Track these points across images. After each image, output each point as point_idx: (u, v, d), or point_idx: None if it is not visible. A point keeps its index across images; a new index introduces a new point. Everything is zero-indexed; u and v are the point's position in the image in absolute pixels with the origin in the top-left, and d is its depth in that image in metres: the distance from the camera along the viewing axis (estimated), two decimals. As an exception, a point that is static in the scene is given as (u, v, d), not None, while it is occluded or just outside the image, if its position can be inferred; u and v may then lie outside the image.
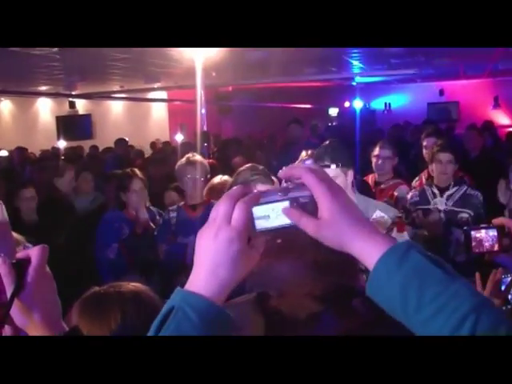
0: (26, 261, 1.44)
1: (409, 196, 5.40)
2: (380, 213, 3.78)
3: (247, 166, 4.08)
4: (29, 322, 1.42)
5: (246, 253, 1.21)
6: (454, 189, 5.13)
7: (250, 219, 1.21)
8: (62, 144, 14.99)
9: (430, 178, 5.52)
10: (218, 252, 1.19)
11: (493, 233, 1.84)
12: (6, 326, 1.44)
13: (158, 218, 5.48)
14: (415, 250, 1.08)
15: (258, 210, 1.24)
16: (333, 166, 3.79)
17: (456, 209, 5.05)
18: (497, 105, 18.78)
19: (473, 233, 1.85)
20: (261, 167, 4.07)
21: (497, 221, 1.87)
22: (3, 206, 1.75)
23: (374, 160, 5.97)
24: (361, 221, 1.15)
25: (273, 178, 4.44)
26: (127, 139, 12.93)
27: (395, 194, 5.63)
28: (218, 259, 1.19)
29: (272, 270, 1.51)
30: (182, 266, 4.64)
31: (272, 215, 1.24)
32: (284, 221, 1.23)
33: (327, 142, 4.07)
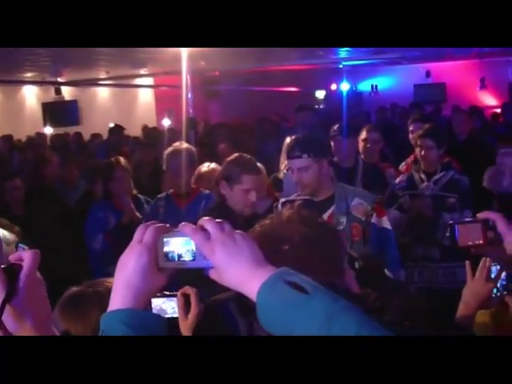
0: (18, 266, 1.44)
1: (397, 181, 5.41)
2: (358, 200, 3.78)
3: (234, 156, 4.06)
4: (20, 328, 1.42)
5: (155, 266, 1.40)
6: (441, 174, 5.16)
7: (157, 238, 1.40)
8: (48, 130, 14.90)
9: (417, 162, 5.53)
10: (130, 265, 1.39)
11: (478, 226, 1.85)
12: None
13: (145, 206, 5.46)
14: (280, 282, 1.28)
15: (168, 243, 1.40)
16: (304, 156, 3.78)
17: (443, 193, 5.06)
18: (483, 86, 18.85)
19: (457, 226, 1.86)
20: (248, 157, 4.06)
21: (481, 214, 1.87)
22: None
23: (361, 144, 5.97)
24: (245, 262, 1.33)
25: (259, 165, 4.46)
26: (119, 125, 12.86)
27: None
28: (130, 271, 1.38)
29: None
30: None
31: (181, 250, 1.40)
32: (189, 258, 1.40)
33: (298, 135, 4.09)
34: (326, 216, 3.66)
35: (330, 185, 3.88)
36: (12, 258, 1.46)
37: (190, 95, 8.07)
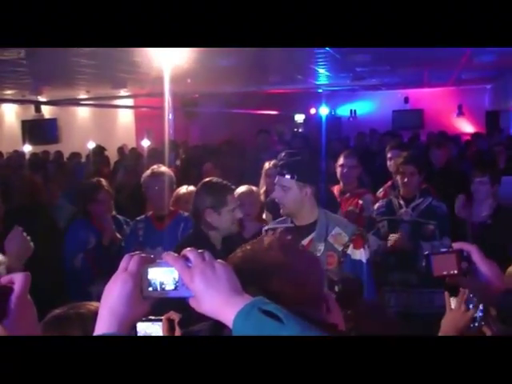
0: (9, 288, 1.45)
1: (375, 206, 5.44)
2: (338, 229, 3.78)
3: (206, 184, 4.06)
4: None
5: (139, 292, 1.45)
6: (420, 200, 5.18)
7: (141, 267, 1.46)
8: (27, 148, 14.84)
9: (395, 188, 5.56)
10: (115, 292, 1.44)
11: (452, 257, 1.90)
12: None
13: (125, 227, 5.45)
14: (255, 310, 1.32)
15: (151, 272, 1.46)
16: (287, 176, 3.78)
17: (421, 220, 5.09)
18: (460, 113, 19.09)
19: (432, 257, 1.92)
20: (218, 179, 4.09)
21: (456, 245, 1.91)
22: None
23: (338, 169, 5.99)
24: (222, 291, 1.39)
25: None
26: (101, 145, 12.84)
27: (360, 202, 5.67)
28: (115, 298, 1.43)
29: None
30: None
31: (164, 280, 1.46)
32: (172, 287, 1.46)
33: (290, 153, 4.10)
34: (306, 241, 3.67)
35: (313, 210, 3.88)
36: (3, 280, 1.47)
37: (170, 116, 8.10)
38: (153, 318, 2.47)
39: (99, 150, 12.12)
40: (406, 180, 5.21)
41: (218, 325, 1.45)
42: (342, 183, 5.97)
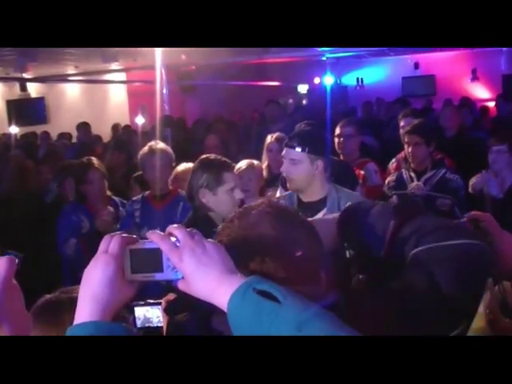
0: None
1: (386, 180, 5.43)
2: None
3: (201, 161, 4.00)
4: None
5: (122, 275, 1.43)
6: (432, 172, 5.14)
7: (123, 248, 1.43)
8: (13, 130, 14.80)
9: (407, 160, 5.53)
10: (96, 276, 1.41)
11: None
12: None
13: (121, 209, 5.47)
14: (250, 291, 1.31)
15: (134, 253, 1.43)
16: (298, 149, 3.78)
17: (433, 194, 5.05)
18: (475, 77, 18.90)
19: None
20: (215, 156, 4.03)
21: (470, 215, 1.93)
22: None
23: (335, 140, 5.96)
24: (214, 271, 1.37)
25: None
26: (84, 122, 12.82)
27: (361, 172, 5.64)
28: (97, 283, 1.40)
29: None
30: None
31: (148, 262, 1.42)
32: (157, 270, 1.43)
33: (304, 124, 4.06)
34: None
35: (323, 186, 3.86)
36: None
37: (165, 91, 8.07)
38: (151, 301, 2.49)
39: (83, 126, 12.11)
40: (410, 150, 5.18)
41: (206, 312, 1.46)
42: (341, 155, 5.95)
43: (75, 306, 1.99)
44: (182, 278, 1.40)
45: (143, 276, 1.43)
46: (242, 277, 1.35)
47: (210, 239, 1.43)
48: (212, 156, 4.01)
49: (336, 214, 1.86)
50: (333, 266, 1.67)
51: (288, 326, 1.25)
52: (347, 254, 1.82)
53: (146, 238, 1.44)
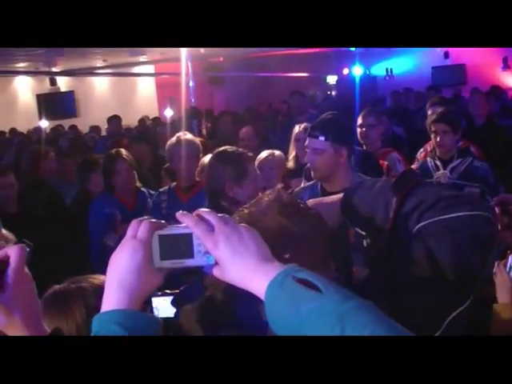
0: (4, 262, 1.47)
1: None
2: None
3: (222, 155, 3.92)
4: (9, 323, 1.46)
5: (150, 262, 1.38)
6: (458, 161, 5.07)
7: (152, 233, 1.38)
8: (43, 124, 14.95)
9: (433, 149, 5.48)
10: (124, 263, 1.37)
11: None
12: None
13: (149, 200, 5.49)
14: (289, 279, 1.28)
15: (163, 239, 1.38)
16: (321, 138, 3.74)
17: (461, 182, 4.96)
18: (506, 66, 18.73)
19: None
20: (234, 148, 3.98)
21: (497, 199, 1.92)
22: None
23: (358, 131, 5.90)
24: (250, 258, 1.33)
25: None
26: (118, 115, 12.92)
27: (385, 163, 5.60)
28: (125, 269, 1.36)
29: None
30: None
31: (178, 248, 1.38)
32: (187, 256, 1.38)
33: (326, 114, 4.04)
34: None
35: (348, 175, 3.83)
36: None
37: (191, 83, 8.09)
38: (168, 291, 2.47)
39: (114, 120, 12.18)
40: (438, 139, 5.13)
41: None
42: (364, 145, 5.90)
43: (83, 296, 2.02)
44: (215, 263, 1.36)
45: (173, 262, 1.38)
46: (280, 265, 1.32)
47: (243, 224, 1.39)
48: (229, 148, 3.94)
49: (340, 195, 1.86)
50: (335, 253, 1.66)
51: (329, 316, 1.22)
52: (364, 244, 1.80)
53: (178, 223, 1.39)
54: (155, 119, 14.49)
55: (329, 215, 1.67)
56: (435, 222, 1.56)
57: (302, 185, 4.56)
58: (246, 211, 1.63)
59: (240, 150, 3.93)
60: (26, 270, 1.50)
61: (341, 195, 1.85)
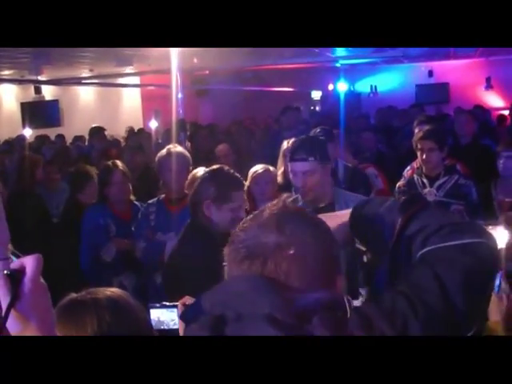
0: (21, 271, 1.49)
1: (397, 185, 5.46)
2: None
3: (215, 172, 3.86)
4: (24, 330, 1.48)
5: None
6: (445, 178, 5.15)
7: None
8: (27, 132, 14.91)
9: (419, 167, 5.52)
10: None
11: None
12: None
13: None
14: None
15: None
16: (311, 159, 3.78)
17: (447, 200, 5.04)
18: (489, 86, 18.84)
19: None
20: (231, 171, 3.87)
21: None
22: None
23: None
24: None
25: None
26: (99, 126, 12.91)
27: None
28: None
29: (231, 287, 1.48)
30: (159, 264, 4.61)
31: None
32: None
33: (302, 136, 4.07)
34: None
35: (330, 191, 3.90)
36: (14, 264, 1.50)
37: (180, 95, 8.12)
38: (167, 303, 2.48)
39: (96, 131, 12.17)
40: (424, 156, 5.19)
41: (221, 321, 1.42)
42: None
43: (97, 308, 2.03)
44: None
45: None
46: None
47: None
48: (225, 169, 3.86)
49: (348, 210, 1.88)
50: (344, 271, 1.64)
51: None
52: (364, 259, 1.83)
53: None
54: (140, 130, 14.47)
55: (336, 230, 1.70)
56: (441, 248, 1.57)
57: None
58: (246, 224, 1.57)
59: (235, 175, 3.82)
60: (41, 279, 1.52)
61: (349, 211, 1.87)
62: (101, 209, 5.42)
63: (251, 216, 1.59)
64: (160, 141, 8.82)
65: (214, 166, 3.95)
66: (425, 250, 1.59)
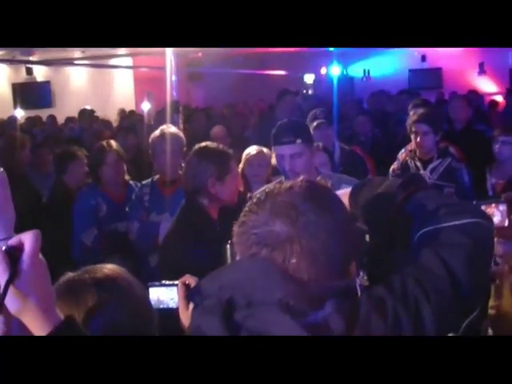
0: (19, 247, 1.47)
1: (391, 168, 5.47)
2: (345, 186, 3.82)
3: (206, 150, 3.88)
4: (24, 308, 1.47)
5: None
6: (438, 161, 5.18)
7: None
8: (18, 113, 14.85)
9: (413, 150, 5.55)
10: None
11: (503, 207, 1.88)
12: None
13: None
14: None
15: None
16: (298, 141, 3.76)
17: (440, 183, 5.05)
18: (482, 71, 18.84)
19: (482, 207, 1.87)
20: (216, 144, 3.96)
21: (507, 195, 1.93)
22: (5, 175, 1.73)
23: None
24: None
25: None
26: (89, 108, 12.87)
27: None
28: None
29: (242, 270, 1.47)
30: (154, 246, 4.65)
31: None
32: None
33: (284, 120, 4.07)
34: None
35: (315, 172, 3.91)
36: (12, 241, 1.49)
37: (174, 77, 8.08)
38: (167, 282, 2.43)
39: (87, 114, 12.10)
40: (418, 140, 5.22)
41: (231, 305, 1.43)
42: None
43: (98, 286, 2.01)
44: None
45: None
46: None
47: None
48: (211, 145, 3.92)
49: (347, 189, 1.89)
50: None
51: None
52: (367, 239, 1.79)
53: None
54: (131, 112, 14.44)
55: None
56: (439, 229, 1.57)
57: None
58: (280, 199, 1.51)
59: (221, 146, 3.91)
60: (40, 256, 1.51)
61: (347, 190, 1.87)
62: (93, 190, 5.40)
63: (264, 196, 1.54)
64: (152, 123, 8.72)
65: (200, 145, 3.94)
66: (423, 230, 1.59)
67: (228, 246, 2.06)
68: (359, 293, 1.43)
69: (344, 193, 1.87)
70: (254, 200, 1.55)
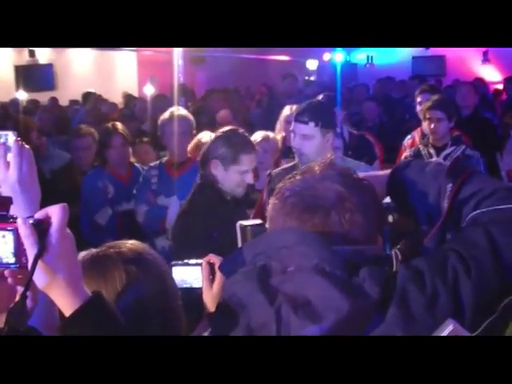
0: (46, 221, 1.45)
1: (403, 156, 5.43)
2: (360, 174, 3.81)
3: (227, 132, 3.86)
4: (52, 283, 1.45)
5: None
6: (452, 148, 5.14)
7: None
8: (21, 95, 14.77)
9: (424, 136, 5.53)
10: None
11: None
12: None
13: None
14: None
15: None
16: (311, 124, 3.78)
17: None
18: (486, 59, 18.81)
19: None
20: (243, 133, 3.90)
21: None
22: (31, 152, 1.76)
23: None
24: None
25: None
26: (93, 91, 12.81)
27: None
28: None
29: (277, 239, 1.48)
30: (162, 229, 4.68)
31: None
32: None
33: (311, 100, 4.06)
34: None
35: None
36: (39, 214, 1.46)
37: (180, 61, 8.04)
38: (190, 261, 2.44)
39: (91, 97, 12.05)
40: (432, 126, 5.17)
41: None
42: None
43: (123, 261, 1.98)
44: None
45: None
46: None
47: None
48: (241, 131, 3.88)
49: (387, 171, 1.85)
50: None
51: None
52: (390, 219, 1.80)
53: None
54: (129, 96, 14.37)
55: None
56: (495, 210, 1.56)
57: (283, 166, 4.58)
58: (298, 177, 1.59)
59: (247, 139, 3.87)
60: (68, 230, 1.48)
61: (388, 171, 1.84)
62: (100, 172, 5.41)
63: (300, 171, 1.63)
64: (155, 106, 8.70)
65: (228, 127, 3.98)
66: (477, 211, 1.58)
67: (238, 226, 2.04)
68: (395, 263, 1.50)
69: (381, 174, 1.84)
70: (288, 176, 1.62)
